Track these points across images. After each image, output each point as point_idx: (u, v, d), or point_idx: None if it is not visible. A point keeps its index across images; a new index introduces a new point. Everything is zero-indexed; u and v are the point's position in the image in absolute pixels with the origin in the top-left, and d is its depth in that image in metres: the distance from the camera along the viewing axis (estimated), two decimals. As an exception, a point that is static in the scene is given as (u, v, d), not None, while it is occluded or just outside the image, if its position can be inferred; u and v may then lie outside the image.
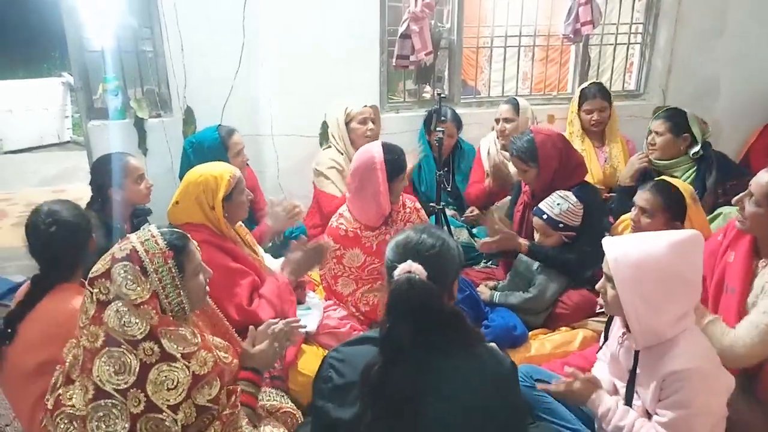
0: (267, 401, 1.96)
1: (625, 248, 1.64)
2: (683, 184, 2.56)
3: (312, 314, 2.50)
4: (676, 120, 3.22)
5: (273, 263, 2.63)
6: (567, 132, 3.67)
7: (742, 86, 4.15)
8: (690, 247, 1.61)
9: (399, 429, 1.29)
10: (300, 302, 2.56)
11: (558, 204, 2.62)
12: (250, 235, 2.62)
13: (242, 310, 2.20)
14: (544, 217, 2.63)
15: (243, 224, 2.55)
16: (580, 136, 3.65)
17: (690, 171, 3.20)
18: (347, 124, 3.41)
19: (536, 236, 2.73)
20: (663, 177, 2.54)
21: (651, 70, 4.17)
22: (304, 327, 2.00)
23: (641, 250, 1.61)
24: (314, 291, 2.78)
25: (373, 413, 1.28)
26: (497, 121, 3.62)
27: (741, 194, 2.01)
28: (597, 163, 3.59)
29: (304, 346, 2.39)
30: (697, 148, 3.19)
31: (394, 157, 2.50)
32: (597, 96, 3.59)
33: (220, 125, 3.04)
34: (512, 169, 3.42)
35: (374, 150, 2.51)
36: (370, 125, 3.38)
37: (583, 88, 3.68)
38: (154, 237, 1.57)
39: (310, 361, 2.26)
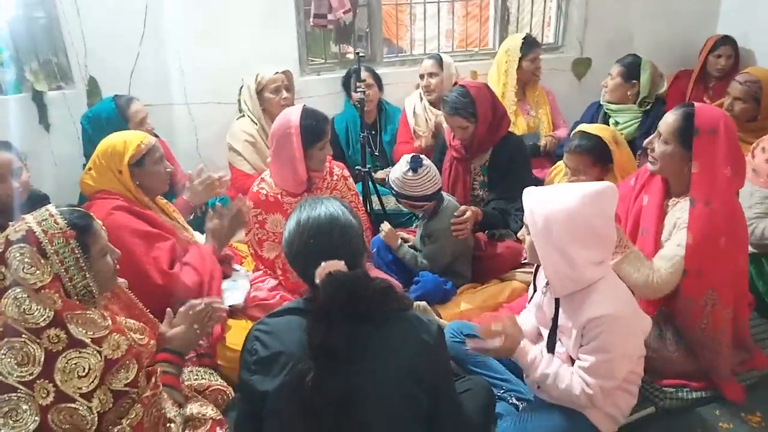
0: (195, 380, 1.91)
1: (540, 199, 1.68)
2: (601, 127, 2.64)
3: (239, 288, 2.43)
4: (629, 66, 3.37)
5: (199, 239, 2.54)
6: (500, 84, 3.63)
7: (656, 35, 4.26)
8: (600, 198, 1.64)
9: (338, 417, 1.27)
10: (226, 275, 2.48)
11: (393, 170, 2.60)
12: (177, 212, 2.51)
13: (165, 274, 2.12)
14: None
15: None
16: (512, 89, 3.61)
17: (634, 120, 3.33)
18: (260, 93, 3.25)
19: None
20: (581, 128, 2.59)
21: (568, 23, 4.21)
22: (226, 309, 1.94)
23: (554, 200, 1.65)
24: (241, 264, 2.71)
25: (312, 415, 1.25)
26: (421, 77, 3.58)
27: (650, 137, 2.09)
28: (521, 118, 3.63)
29: (232, 320, 2.33)
30: (642, 97, 3.34)
31: (312, 123, 2.38)
32: (538, 45, 3.66)
33: (116, 95, 2.84)
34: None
35: (292, 114, 2.40)
36: (284, 94, 3.23)
37: (525, 38, 3.62)
38: (52, 216, 1.47)
39: (238, 335, 2.18)
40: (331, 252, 1.34)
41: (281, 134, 2.38)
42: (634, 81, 3.35)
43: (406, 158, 2.55)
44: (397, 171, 2.56)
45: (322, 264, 1.31)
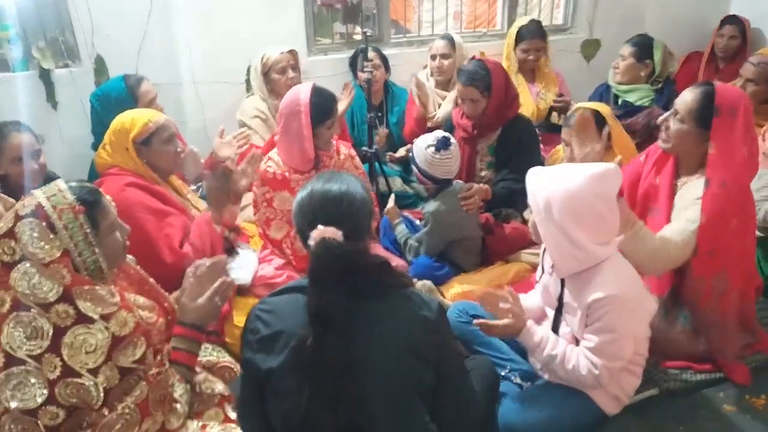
0: (203, 357, 1.91)
1: (542, 179, 1.68)
2: (598, 105, 2.63)
3: (246, 266, 2.44)
4: (642, 46, 3.33)
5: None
6: (505, 66, 3.62)
7: (666, 15, 4.21)
8: (602, 179, 1.63)
9: (338, 389, 1.28)
10: (232, 247, 2.48)
11: (420, 139, 2.56)
12: (190, 191, 2.52)
13: (175, 252, 2.14)
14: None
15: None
16: (515, 72, 3.64)
17: (646, 99, 3.31)
18: (266, 74, 3.22)
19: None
20: (579, 105, 2.58)
21: (577, 3, 4.16)
22: (228, 264, 1.91)
23: (555, 181, 1.65)
24: (248, 243, 2.71)
25: (313, 385, 1.26)
26: (433, 57, 3.54)
27: (666, 114, 2.06)
28: (530, 99, 3.61)
29: (239, 298, 2.35)
30: (654, 76, 3.31)
31: (321, 101, 2.38)
32: (536, 36, 3.56)
33: (126, 75, 2.83)
34: (443, 110, 3.40)
35: (302, 91, 2.40)
36: (290, 73, 3.19)
37: (520, 27, 3.61)
38: (61, 191, 1.47)
39: (245, 313, 2.18)
40: (335, 218, 1.33)
41: (290, 111, 2.38)
42: (648, 61, 3.32)
43: (439, 134, 2.53)
44: (423, 141, 2.53)
45: (319, 227, 1.31)
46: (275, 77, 3.21)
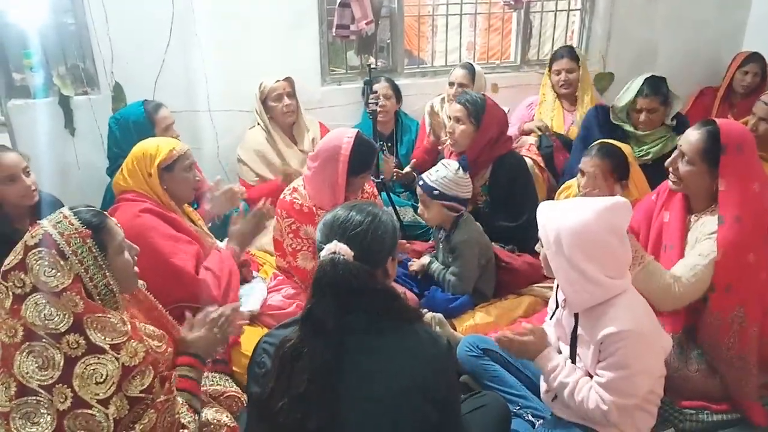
0: (210, 386, 1.91)
1: (553, 213, 1.67)
2: (622, 144, 2.62)
3: (255, 294, 2.44)
4: (663, 91, 3.13)
5: (220, 246, 2.55)
6: (540, 94, 3.73)
7: (679, 50, 4.23)
8: (611, 213, 1.62)
9: (316, 406, 1.26)
10: (246, 280, 2.51)
11: (437, 171, 2.53)
12: (201, 219, 2.55)
13: (191, 277, 2.15)
14: (421, 183, 2.54)
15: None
16: (553, 99, 3.69)
17: (661, 139, 3.16)
18: (264, 101, 3.28)
19: (419, 209, 2.63)
20: (604, 140, 2.57)
21: (591, 37, 4.19)
22: (246, 313, 1.96)
23: (565, 215, 1.64)
24: (258, 271, 2.72)
25: (283, 389, 1.27)
26: (451, 84, 3.54)
27: (672, 156, 2.06)
28: (561, 124, 3.62)
29: (247, 327, 2.32)
30: (673, 113, 3.16)
31: (361, 154, 2.38)
32: (564, 56, 3.64)
33: (145, 100, 2.89)
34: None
35: (344, 139, 2.37)
36: (286, 101, 3.24)
37: (555, 51, 3.73)
38: (67, 218, 1.48)
39: (253, 342, 2.17)
40: (351, 239, 1.34)
41: (329, 156, 2.38)
42: (670, 101, 3.16)
43: (449, 161, 2.55)
44: (444, 171, 2.50)
45: (334, 242, 1.32)
46: (272, 105, 3.26)
